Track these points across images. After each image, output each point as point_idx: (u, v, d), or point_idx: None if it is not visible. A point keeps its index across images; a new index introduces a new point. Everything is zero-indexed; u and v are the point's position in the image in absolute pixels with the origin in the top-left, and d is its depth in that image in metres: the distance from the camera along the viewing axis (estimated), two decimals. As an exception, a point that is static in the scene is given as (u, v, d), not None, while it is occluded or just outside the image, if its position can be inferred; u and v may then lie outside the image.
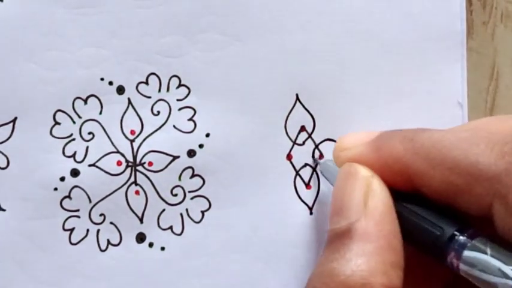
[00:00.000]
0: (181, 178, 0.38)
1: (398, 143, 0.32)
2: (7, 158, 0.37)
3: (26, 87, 0.37)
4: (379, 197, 0.31)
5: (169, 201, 0.38)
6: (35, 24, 0.36)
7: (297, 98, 0.38)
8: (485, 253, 0.28)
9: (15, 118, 0.37)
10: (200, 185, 0.38)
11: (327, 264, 0.30)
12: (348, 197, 0.32)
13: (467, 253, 0.29)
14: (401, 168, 0.31)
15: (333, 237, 0.31)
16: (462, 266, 0.29)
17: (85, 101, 0.37)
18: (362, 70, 0.38)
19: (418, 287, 0.33)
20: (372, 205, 0.31)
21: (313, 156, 0.38)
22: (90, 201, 0.37)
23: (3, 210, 0.37)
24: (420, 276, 0.33)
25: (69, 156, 0.37)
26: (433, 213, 0.31)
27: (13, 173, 0.37)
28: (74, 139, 0.37)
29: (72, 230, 0.37)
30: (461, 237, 0.29)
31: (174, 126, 0.38)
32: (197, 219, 0.38)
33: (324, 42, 0.38)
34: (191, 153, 0.38)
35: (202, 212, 0.38)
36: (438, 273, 0.33)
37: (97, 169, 0.37)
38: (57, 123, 0.37)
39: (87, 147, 0.37)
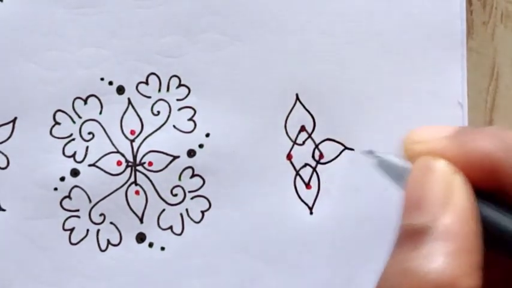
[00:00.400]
0: (181, 178, 0.38)
1: (486, 140, 0.31)
2: (7, 158, 0.37)
3: (26, 87, 0.37)
4: (462, 194, 0.30)
5: (169, 201, 0.38)
6: (35, 24, 0.36)
7: (297, 98, 0.38)
8: None
9: (15, 118, 0.37)
10: (200, 185, 0.38)
11: (405, 263, 0.29)
12: (428, 192, 0.30)
13: None
14: (487, 166, 0.30)
15: (411, 234, 0.30)
16: None
17: (85, 101, 0.37)
18: (362, 70, 0.38)
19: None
20: (454, 203, 0.30)
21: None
22: (90, 201, 0.37)
23: (3, 210, 0.37)
24: (495, 280, 0.32)
25: (69, 156, 0.37)
26: None
27: (13, 173, 0.37)
28: (73, 139, 0.37)
29: (72, 230, 0.37)
30: None
31: (174, 126, 0.38)
32: (197, 219, 0.38)
33: (324, 42, 0.38)
34: (191, 153, 0.38)
35: (202, 212, 0.38)
36: (496, 263, 0.33)
37: (97, 169, 0.37)
38: (57, 123, 0.37)
39: (87, 147, 0.37)
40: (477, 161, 0.30)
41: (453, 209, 0.30)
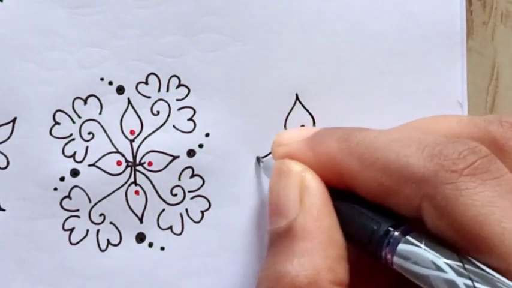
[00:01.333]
0: (181, 178, 0.38)
1: (333, 142, 0.32)
2: (7, 158, 0.37)
3: (25, 87, 0.37)
4: (314, 191, 0.31)
5: (169, 201, 0.38)
6: (34, 24, 0.36)
7: (297, 98, 0.38)
8: (419, 247, 0.28)
9: (15, 118, 0.37)
10: (200, 184, 0.38)
11: (271, 267, 0.30)
12: (283, 195, 0.31)
13: (401, 246, 0.29)
14: (334, 167, 0.31)
15: (274, 238, 0.31)
16: (396, 259, 0.29)
17: (85, 101, 0.37)
18: (362, 70, 0.38)
19: (364, 285, 0.33)
20: (307, 201, 0.31)
21: (257, 159, 0.38)
22: (90, 201, 0.37)
23: (3, 210, 0.37)
24: (366, 275, 0.33)
25: (68, 156, 0.37)
26: (368, 210, 0.31)
27: (13, 173, 0.37)
28: (73, 139, 0.37)
29: (72, 230, 0.37)
30: (395, 233, 0.29)
31: (173, 126, 0.38)
32: (197, 219, 0.38)
33: (323, 42, 0.38)
34: (191, 153, 0.38)
35: (202, 212, 0.38)
36: (384, 272, 0.33)
37: (97, 169, 0.37)
38: (56, 123, 0.37)
39: (87, 147, 0.37)
40: (325, 162, 0.31)
41: (307, 208, 0.31)
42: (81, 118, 0.37)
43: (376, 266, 0.32)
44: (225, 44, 0.37)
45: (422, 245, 0.28)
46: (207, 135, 0.38)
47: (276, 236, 0.31)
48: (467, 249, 0.28)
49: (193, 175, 0.38)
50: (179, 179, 0.38)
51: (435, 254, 0.28)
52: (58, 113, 0.37)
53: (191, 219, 0.38)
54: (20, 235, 0.37)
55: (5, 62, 0.36)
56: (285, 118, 0.38)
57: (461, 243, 0.28)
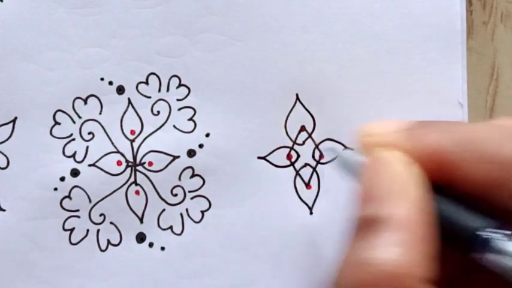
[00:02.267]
0: (181, 178, 0.38)
1: (435, 133, 0.31)
2: (7, 158, 0.37)
3: (26, 87, 0.37)
4: (416, 184, 0.30)
5: (169, 201, 0.38)
6: (35, 24, 0.36)
7: (297, 98, 0.38)
8: None
9: (15, 118, 0.37)
10: (200, 184, 0.38)
11: (361, 253, 0.29)
12: (382, 183, 0.30)
13: (498, 244, 0.28)
14: (439, 159, 0.31)
15: (366, 224, 0.30)
16: (499, 259, 0.28)
17: (85, 101, 0.37)
18: (362, 70, 0.38)
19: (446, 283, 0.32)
20: (408, 193, 0.30)
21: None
22: (90, 201, 0.37)
23: (3, 210, 0.37)
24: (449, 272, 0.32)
25: (69, 156, 0.37)
26: (469, 207, 0.30)
27: (13, 173, 0.37)
28: (74, 139, 0.37)
29: (72, 230, 0.37)
30: (498, 234, 0.29)
31: (174, 126, 0.38)
32: (197, 219, 0.38)
33: (324, 42, 0.38)
34: (191, 153, 0.38)
35: (202, 212, 0.38)
36: (453, 259, 0.33)
37: (97, 169, 0.37)
38: (57, 123, 0.37)
39: (87, 147, 0.37)
40: (427, 154, 0.31)
41: (406, 200, 0.30)
42: (82, 118, 0.37)
43: (445, 254, 0.32)
44: (225, 44, 0.37)
45: None
46: (207, 135, 0.38)
47: (368, 222, 0.30)
48: None
49: (193, 175, 0.38)
50: (179, 179, 0.38)
51: None
52: (58, 113, 0.37)
53: (191, 219, 0.38)
54: (20, 235, 0.37)
55: (5, 62, 0.36)
56: (285, 118, 0.38)
57: None
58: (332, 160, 0.38)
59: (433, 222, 0.30)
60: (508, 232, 0.29)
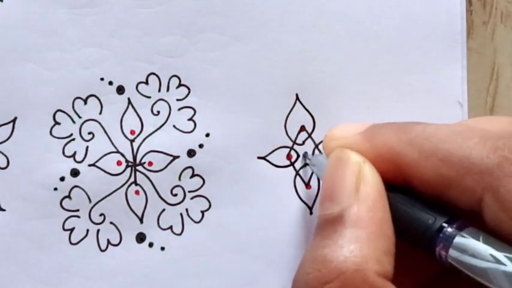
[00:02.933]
0: (181, 178, 0.38)
1: (391, 133, 0.32)
2: (7, 158, 0.37)
3: (26, 87, 0.37)
4: (371, 182, 0.31)
5: (169, 201, 0.38)
6: (35, 24, 0.36)
7: (297, 98, 0.38)
8: (477, 240, 0.28)
9: (15, 118, 0.37)
10: (200, 184, 0.38)
11: (318, 250, 0.30)
12: (340, 183, 0.32)
13: (458, 240, 0.29)
14: (393, 158, 0.31)
15: (324, 223, 0.31)
16: (452, 252, 0.29)
17: (85, 101, 0.37)
18: (362, 70, 0.38)
19: (404, 277, 0.33)
20: (364, 191, 0.31)
21: (304, 155, 0.38)
22: (90, 201, 0.37)
23: (3, 210, 0.37)
24: (407, 266, 0.33)
25: (69, 156, 0.37)
26: (423, 205, 0.31)
27: (13, 173, 0.37)
28: (73, 139, 0.37)
29: (72, 230, 0.37)
30: (450, 228, 0.29)
31: (174, 126, 0.38)
32: (197, 219, 0.38)
33: (323, 42, 0.38)
34: (191, 153, 0.38)
35: (202, 212, 0.38)
36: (424, 264, 0.33)
37: (97, 169, 0.37)
38: (57, 123, 0.37)
39: (87, 147, 0.37)
40: (383, 154, 0.32)
41: (362, 197, 0.31)
42: (82, 118, 0.37)
43: (417, 260, 0.32)
44: (225, 44, 0.37)
45: (480, 239, 0.28)
46: (207, 135, 0.38)
47: (327, 221, 0.31)
48: None
49: (193, 175, 0.38)
50: (179, 179, 0.38)
51: (494, 247, 0.28)
52: (58, 113, 0.37)
53: (191, 219, 0.38)
54: (20, 235, 0.37)
55: (5, 62, 0.36)
56: (285, 118, 0.38)
57: None
58: (305, 165, 0.38)
59: (389, 219, 0.31)
60: (461, 222, 0.29)
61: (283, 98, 0.38)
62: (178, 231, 0.38)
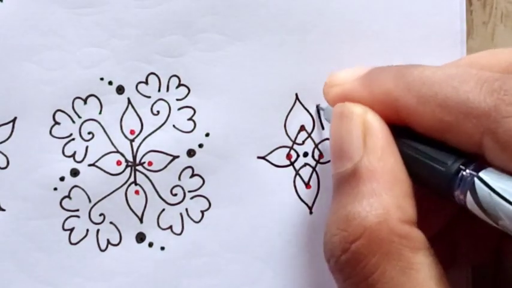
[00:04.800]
0: (181, 178, 0.38)
1: (389, 78, 0.32)
2: (7, 158, 0.37)
3: (25, 87, 0.37)
4: (377, 132, 0.31)
5: (169, 201, 0.38)
6: (34, 24, 0.36)
7: (297, 98, 0.38)
8: (497, 180, 0.28)
9: (15, 118, 0.37)
10: (200, 184, 0.38)
11: (340, 210, 0.30)
12: (347, 138, 0.32)
13: (478, 181, 0.28)
14: (391, 104, 0.31)
15: (340, 181, 0.31)
16: (471, 195, 0.28)
17: (85, 101, 0.37)
18: (362, 70, 0.38)
19: (424, 220, 0.33)
20: (371, 142, 0.31)
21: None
22: (90, 201, 0.37)
23: (3, 210, 0.37)
24: (425, 209, 0.33)
25: (68, 156, 0.37)
26: (434, 148, 0.31)
27: (13, 172, 0.37)
28: (73, 139, 0.37)
29: (72, 229, 0.37)
30: (468, 170, 0.29)
31: (173, 125, 0.38)
32: (197, 219, 0.38)
33: (323, 42, 0.38)
34: (191, 153, 0.38)
35: (202, 212, 0.38)
36: (443, 206, 0.33)
37: (97, 169, 0.37)
38: (56, 123, 0.37)
39: (87, 147, 0.37)
40: (382, 99, 0.32)
41: (370, 148, 0.31)
42: (81, 118, 0.37)
43: (437, 201, 0.32)
44: (225, 43, 0.37)
45: (501, 178, 0.28)
46: (207, 135, 0.38)
47: (341, 179, 0.31)
48: None
49: (193, 175, 0.38)
50: (179, 178, 0.38)
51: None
52: (58, 113, 0.37)
53: (191, 219, 0.38)
54: (20, 235, 0.37)
55: (5, 62, 0.36)
56: (284, 118, 0.38)
57: None
58: (319, 118, 0.38)
59: (401, 164, 0.31)
60: (475, 164, 0.29)
61: (283, 97, 0.38)
62: (178, 231, 0.38)
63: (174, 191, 0.38)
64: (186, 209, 0.38)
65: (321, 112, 0.38)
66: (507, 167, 0.28)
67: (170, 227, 0.38)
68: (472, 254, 0.36)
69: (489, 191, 0.28)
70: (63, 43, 0.37)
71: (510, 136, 0.28)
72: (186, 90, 0.37)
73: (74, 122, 0.37)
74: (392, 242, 0.29)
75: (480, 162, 0.29)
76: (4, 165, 0.37)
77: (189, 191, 0.38)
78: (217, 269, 0.38)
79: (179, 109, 0.38)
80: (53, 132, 0.37)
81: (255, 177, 0.38)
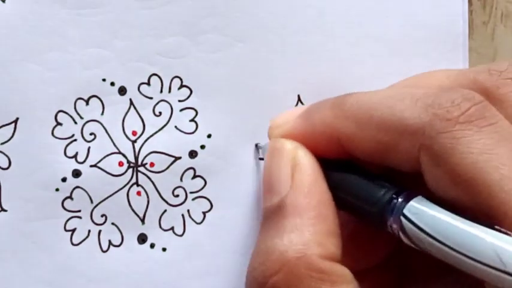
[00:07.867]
0: (183, 179, 0.38)
1: (328, 110, 0.32)
2: (9, 159, 0.37)
3: (27, 88, 0.36)
4: (305, 168, 0.31)
5: (170, 202, 0.38)
6: (36, 25, 0.36)
7: (299, 99, 0.38)
8: (427, 207, 0.28)
9: (17, 119, 0.37)
10: (202, 185, 0.38)
11: (262, 244, 0.31)
12: (276, 173, 0.32)
13: (408, 209, 0.28)
14: (331, 134, 0.31)
15: (267, 215, 0.32)
16: (404, 222, 0.28)
17: (87, 102, 0.37)
18: (363, 71, 0.38)
19: (362, 255, 0.33)
20: (298, 177, 0.31)
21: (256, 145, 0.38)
22: (91, 201, 0.37)
23: (5, 210, 0.37)
24: (363, 243, 0.33)
25: (70, 157, 0.37)
26: (369, 180, 0.31)
27: (15, 173, 0.37)
28: (75, 140, 0.37)
29: (73, 230, 0.37)
30: (399, 199, 0.29)
31: (175, 127, 0.38)
32: (199, 220, 0.38)
33: (325, 43, 0.38)
34: (193, 154, 0.38)
35: (204, 213, 0.38)
36: (381, 240, 0.33)
37: (99, 170, 0.37)
38: (58, 123, 0.37)
39: (89, 148, 0.37)
40: (321, 131, 0.32)
41: (297, 184, 0.31)
42: (83, 119, 0.37)
43: (372, 237, 0.32)
44: (227, 45, 0.37)
45: (427, 207, 0.28)
46: (209, 136, 0.38)
47: (268, 213, 0.32)
48: (464, 197, 0.27)
49: (195, 176, 0.38)
50: (181, 180, 0.38)
51: (442, 214, 0.28)
52: (60, 114, 0.37)
53: (193, 220, 0.38)
54: (22, 236, 0.37)
55: (6, 63, 0.36)
56: (286, 119, 0.38)
57: (459, 191, 0.28)
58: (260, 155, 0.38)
59: (327, 201, 0.31)
60: (407, 193, 0.29)
61: (284, 99, 0.38)
62: (180, 232, 0.38)
63: (175, 192, 0.38)
64: (188, 210, 0.38)
65: (260, 151, 0.38)
66: (441, 184, 0.28)
67: (172, 228, 0.38)
68: (427, 275, 0.36)
69: (414, 228, 0.28)
70: (65, 44, 0.37)
71: (444, 152, 0.28)
72: (188, 92, 0.37)
73: (76, 122, 0.37)
74: (311, 277, 0.29)
75: (411, 191, 0.29)
76: (6, 165, 0.37)
77: (191, 192, 0.38)
78: (219, 269, 0.38)
79: (181, 110, 0.38)
80: (55, 133, 0.37)
81: (256, 178, 0.38)
